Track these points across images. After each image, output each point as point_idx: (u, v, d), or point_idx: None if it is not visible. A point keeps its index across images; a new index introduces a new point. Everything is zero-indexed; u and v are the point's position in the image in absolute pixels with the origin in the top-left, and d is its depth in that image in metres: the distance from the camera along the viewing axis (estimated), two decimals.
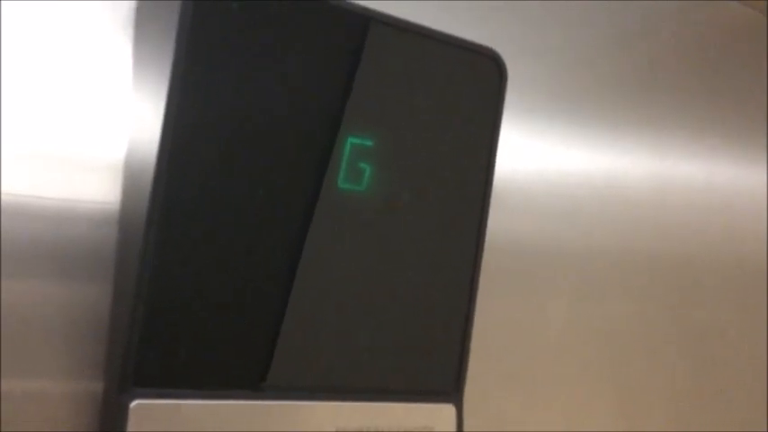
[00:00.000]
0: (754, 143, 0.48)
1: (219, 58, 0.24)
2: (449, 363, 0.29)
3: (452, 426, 0.29)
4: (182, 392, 0.24)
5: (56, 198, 0.27)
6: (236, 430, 0.24)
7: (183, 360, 0.24)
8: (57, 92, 0.27)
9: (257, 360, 0.25)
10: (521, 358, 0.37)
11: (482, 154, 0.30)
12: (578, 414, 0.38)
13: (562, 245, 0.39)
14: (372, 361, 0.27)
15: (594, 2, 0.41)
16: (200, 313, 0.24)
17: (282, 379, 0.26)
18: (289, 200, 0.26)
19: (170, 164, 0.24)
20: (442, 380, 0.29)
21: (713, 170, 0.45)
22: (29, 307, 0.26)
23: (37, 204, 0.26)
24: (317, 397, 0.26)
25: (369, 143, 0.27)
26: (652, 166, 0.42)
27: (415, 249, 0.28)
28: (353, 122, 0.27)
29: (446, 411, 0.29)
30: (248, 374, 0.25)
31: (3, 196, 0.26)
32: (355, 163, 0.27)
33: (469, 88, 0.29)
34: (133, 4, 0.28)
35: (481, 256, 0.30)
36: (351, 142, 0.27)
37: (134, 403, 0.23)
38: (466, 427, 0.29)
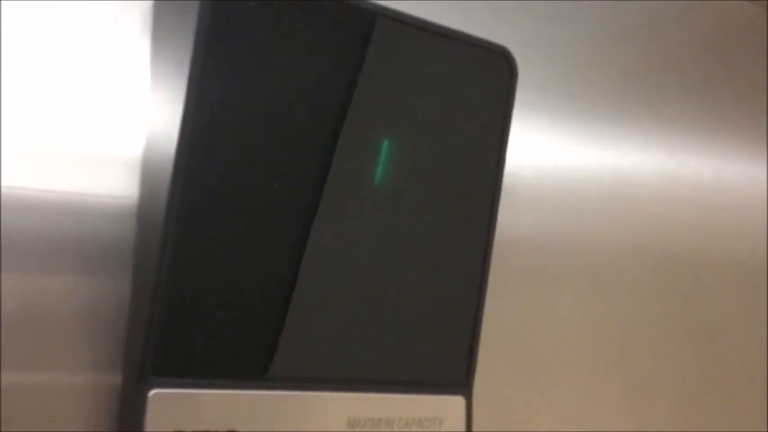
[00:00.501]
0: (764, 140, 0.48)
1: (237, 56, 0.25)
2: (459, 355, 0.29)
3: (462, 417, 0.29)
4: (200, 382, 0.24)
5: (75, 192, 0.27)
6: (251, 419, 0.25)
7: (201, 350, 0.24)
8: (75, 88, 0.27)
9: (272, 351, 0.26)
10: (529, 352, 0.37)
11: (492, 150, 0.30)
12: (586, 406, 0.39)
13: (570, 241, 0.39)
14: (384, 352, 0.28)
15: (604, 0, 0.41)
16: (218, 305, 0.25)
17: (297, 370, 0.26)
18: (301, 194, 0.26)
19: (188, 159, 0.24)
20: (453, 372, 0.29)
21: (722, 167, 0.45)
22: (47, 301, 0.26)
23: (55, 199, 0.27)
24: (330, 387, 0.26)
25: (382, 139, 0.28)
26: (661, 163, 0.43)
27: (425, 242, 0.29)
28: (368, 119, 0.27)
29: (456, 403, 0.29)
30: (263, 365, 0.25)
31: (22, 191, 0.26)
32: (366, 157, 0.27)
33: (480, 85, 0.30)
34: (151, 3, 0.29)
35: (491, 250, 0.30)
36: (366, 138, 0.27)
37: (152, 392, 0.23)
38: (475, 418, 0.30)
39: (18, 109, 0.26)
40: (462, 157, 0.29)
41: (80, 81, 0.27)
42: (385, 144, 0.28)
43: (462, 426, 0.29)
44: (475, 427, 0.30)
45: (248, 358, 0.25)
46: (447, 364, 0.29)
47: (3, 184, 0.26)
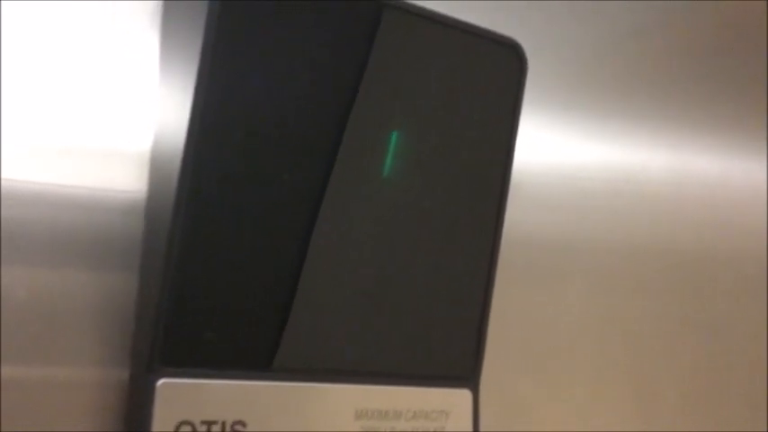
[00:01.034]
0: None
1: (245, 50, 0.25)
2: (466, 348, 0.29)
3: (469, 411, 0.29)
4: (207, 372, 0.24)
5: (84, 187, 0.27)
6: (258, 410, 0.25)
7: (209, 341, 0.24)
8: (85, 84, 0.28)
9: (279, 342, 0.26)
10: (536, 349, 0.37)
11: (501, 143, 0.30)
12: (592, 403, 0.38)
13: (577, 237, 0.39)
14: (392, 345, 0.28)
15: None
16: (226, 296, 0.25)
17: (304, 361, 0.26)
18: (309, 186, 0.26)
19: (196, 153, 0.24)
20: (460, 365, 0.29)
21: (729, 165, 0.45)
22: (57, 295, 0.27)
23: (65, 193, 0.27)
24: (338, 379, 0.27)
25: (391, 131, 0.28)
26: (668, 161, 0.42)
27: (433, 235, 0.29)
28: (377, 112, 0.27)
29: (463, 396, 0.29)
30: (271, 356, 0.26)
31: (32, 185, 0.27)
32: (375, 150, 0.27)
33: (489, 78, 0.30)
34: (161, 2, 0.29)
35: (499, 244, 0.30)
36: (374, 130, 0.27)
37: (160, 382, 0.24)
38: (482, 414, 0.30)
39: (29, 104, 0.27)
40: (471, 149, 0.29)
41: (90, 76, 0.28)
42: (393, 136, 0.28)
43: (469, 419, 0.29)
44: (482, 422, 0.30)
45: (256, 349, 0.25)
46: (454, 358, 0.29)
47: (13, 177, 0.26)
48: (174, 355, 0.24)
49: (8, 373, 0.26)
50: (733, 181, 0.45)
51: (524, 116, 0.31)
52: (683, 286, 0.42)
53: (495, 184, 0.30)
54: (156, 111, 0.28)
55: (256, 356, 0.25)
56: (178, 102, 0.25)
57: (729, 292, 0.44)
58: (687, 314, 0.42)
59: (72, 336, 0.27)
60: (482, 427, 0.30)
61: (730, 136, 0.45)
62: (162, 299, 0.24)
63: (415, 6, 0.28)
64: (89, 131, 0.28)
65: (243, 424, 0.25)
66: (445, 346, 0.29)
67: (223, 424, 0.24)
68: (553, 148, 0.38)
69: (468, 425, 0.29)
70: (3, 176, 0.26)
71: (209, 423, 0.24)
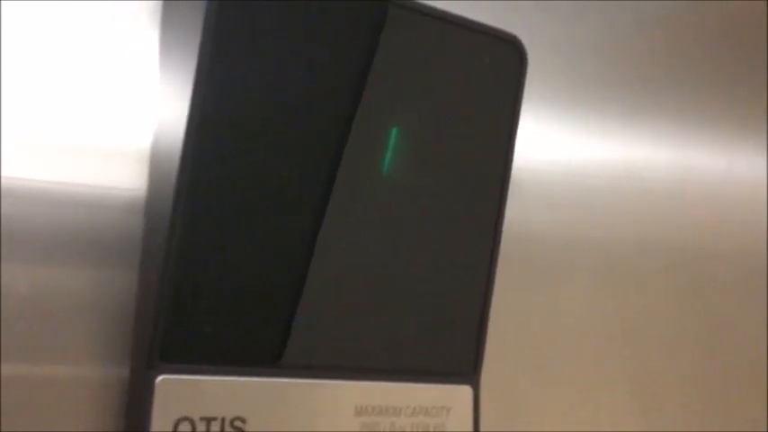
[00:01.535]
0: None
1: (245, 46, 0.25)
2: (467, 345, 0.29)
3: (469, 407, 0.29)
4: (207, 369, 0.24)
5: (84, 184, 0.27)
6: (258, 406, 0.25)
7: (209, 337, 0.24)
8: (85, 81, 0.28)
9: (280, 339, 0.26)
10: (536, 347, 0.37)
11: (502, 139, 0.30)
12: (594, 401, 0.38)
13: (579, 234, 0.39)
14: (392, 341, 0.28)
15: None
16: (227, 292, 0.25)
17: (304, 357, 0.26)
18: (310, 183, 0.26)
19: (196, 148, 0.24)
20: (460, 361, 0.29)
21: (733, 162, 0.45)
22: (57, 292, 0.27)
23: (65, 191, 0.27)
24: (338, 376, 0.27)
25: (391, 128, 0.28)
26: (671, 158, 0.42)
27: (434, 232, 0.29)
28: (377, 108, 0.27)
29: (463, 392, 0.29)
30: (271, 352, 0.26)
31: (31, 183, 0.27)
32: (375, 146, 0.27)
33: (490, 74, 0.30)
34: (161, 1, 0.29)
35: (500, 241, 0.30)
36: (375, 127, 0.27)
37: (160, 378, 0.24)
38: (482, 411, 0.30)
39: (29, 102, 0.27)
40: (471, 146, 0.29)
41: (90, 75, 0.28)
42: (394, 133, 0.28)
43: (469, 415, 0.29)
44: (482, 419, 0.30)
45: (256, 345, 0.25)
46: (455, 354, 0.29)
47: (13, 175, 0.26)
48: (174, 351, 0.24)
49: (8, 370, 0.26)
50: (735, 178, 0.45)
51: (525, 112, 0.31)
52: (684, 284, 0.42)
53: (495, 182, 0.30)
54: (155, 109, 0.28)
55: (256, 353, 0.25)
56: (178, 100, 0.25)
57: (731, 290, 0.44)
58: (688, 312, 0.42)
59: (72, 333, 0.27)
60: (482, 425, 0.30)
61: (733, 133, 0.45)
62: (161, 295, 0.24)
63: (414, 2, 0.28)
64: (89, 129, 0.28)
65: (242, 420, 0.25)
66: (446, 342, 0.29)
67: (222, 420, 0.24)
68: (554, 144, 0.38)
69: (469, 421, 0.29)
70: (2, 174, 0.26)
71: (209, 419, 0.24)
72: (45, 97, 0.27)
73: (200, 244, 0.24)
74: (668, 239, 0.42)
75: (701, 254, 0.43)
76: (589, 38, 0.40)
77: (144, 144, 0.28)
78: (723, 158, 0.44)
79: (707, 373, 0.43)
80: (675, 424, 0.41)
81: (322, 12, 0.26)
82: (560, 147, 0.39)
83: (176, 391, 0.24)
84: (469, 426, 0.29)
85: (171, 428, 0.24)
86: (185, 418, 0.24)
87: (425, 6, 0.28)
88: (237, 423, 0.25)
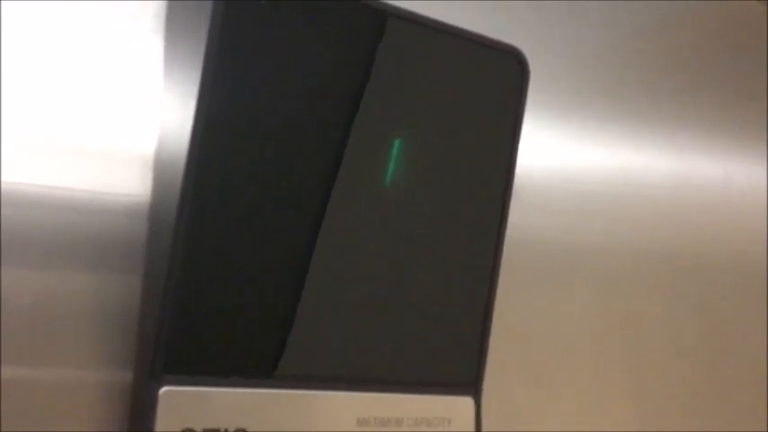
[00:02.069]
0: None
1: (249, 56, 0.25)
2: (468, 355, 0.29)
3: (471, 418, 0.29)
4: (210, 380, 0.24)
5: (88, 190, 0.27)
6: (260, 418, 0.25)
7: (212, 349, 0.24)
8: (88, 86, 0.28)
9: (281, 350, 0.26)
10: (537, 354, 0.37)
11: (503, 151, 0.30)
12: (595, 408, 0.39)
13: (579, 241, 0.39)
14: (394, 352, 0.28)
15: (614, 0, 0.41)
16: (229, 304, 0.25)
17: (307, 369, 0.26)
18: (312, 194, 0.26)
19: (200, 158, 0.24)
20: (462, 373, 0.29)
21: (731, 168, 0.45)
22: (59, 298, 0.27)
23: (69, 196, 0.27)
24: (339, 387, 0.27)
25: (393, 139, 0.28)
26: (670, 165, 0.42)
27: (435, 243, 0.29)
28: (379, 119, 0.27)
29: (465, 403, 0.29)
30: (273, 364, 0.26)
31: (35, 188, 0.26)
32: (377, 158, 0.27)
33: (491, 86, 0.30)
34: (165, 3, 0.29)
35: (501, 251, 0.30)
36: (377, 138, 0.27)
37: (163, 390, 0.24)
38: (484, 419, 0.30)
39: (32, 106, 0.27)
40: (473, 157, 0.29)
41: (93, 78, 0.28)
42: (396, 144, 0.28)
43: (471, 427, 0.29)
44: (484, 428, 0.30)
45: (258, 357, 0.25)
46: (456, 365, 0.29)
47: (15, 180, 0.26)
48: (177, 362, 0.24)
49: (9, 375, 0.26)
50: (734, 184, 0.45)
51: (526, 120, 0.31)
52: (683, 290, 0.42)
53: (497, 193, 0.30)
54: (159, 113, 0.28)
55: (259, 364, 0.25)
56: (182, 105, 0.25)
57: (730, 295, 0.44)
58: (688, 317, 0.42)
59: (73, 339, 0.27)
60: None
61: (731, 139, 0.45)
62: (165, 306, 0.24)
63: (417, 15, 0.28)
64: (92, 134, 0.28)
65: None
66: (447, 353, 0.29)
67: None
68: (554, 151, 0.38)
69: None
70: (4, 179, 0.26)
71: (211, 431, 0.24)
72: (47, 101, 0.27)
73: (204, 255, 0.24)
74: (667, 245, 0.42)
75: (700, 260, 0.43)
76: (588, 45, 0.40)
77: (147, 149, 0.28)
78: (722, 165, 0.45)
79: (706, 376, 0.43)
80: (675, 427, 0.41)
81: (326, 23, 0.26)
82: (559, 154, 0.39)
83: (179, 403, 0.24)
84: None
85: None
86: (188, 430, 0.24)
87: (428, 19, 0.28)
88: None
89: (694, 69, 0.44)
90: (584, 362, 0.38)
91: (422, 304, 0.28)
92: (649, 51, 0.42)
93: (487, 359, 0.30)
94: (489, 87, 0.30)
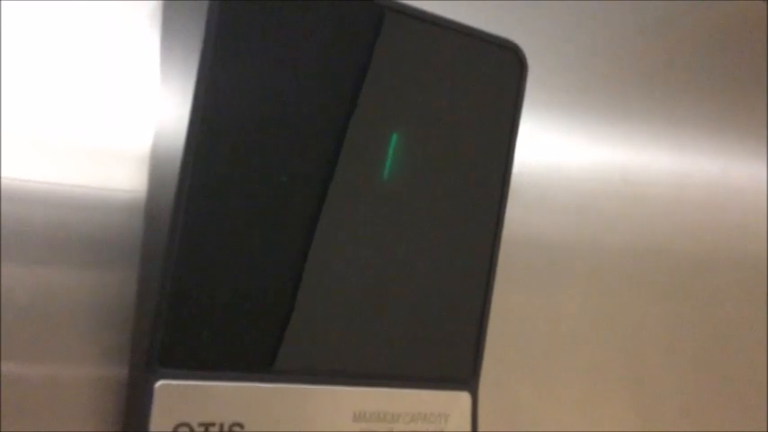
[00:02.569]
0: None
1: (245, 52, 0.25)
2: (465, 351, 0.29)
3: (468, 413, 0.29)
4: (206, 374, 0.24)
5: (83, 186, 0.27)
6: (256, 412, 0.25)
7: (208, 343, 0.24)
8: (85, 83, 0.28)
9: (278, 344, 0.26)
10: (535, 351, 0.37)
11: (501, 146, 0.30)
12: (592, 405, 0.38)
13: (578, 239, 0.39)
14: (391, 347, 0.28)
15: None
16: (225, 298, 0.25)
17: (303, 363, 0.26)
18: (309, 188, 0.26)
19: (196, 154, 0.24)
20: (459, 367, 0.29)
21: (730, 166, 0.45)
22: (56, 293, 0.27)
23: (65, 192, 0.27)
24: (336, 381, 0.27)
25: (391, 133, 0.28)
26: (669, 162, 0.42)
27: (433, 237, 0.29)
28: (377, 114, 0.27)
29: (462, 398, 0.29)
30: (270, 358, 0.26)
31: (33, 184, 0.27)
32: (375, 152, 0.27)
33: (490, 81, 0.30)
34: (161, 2, 0.29)
35: (499, 246, 0.30)
36: (375, 132, 0.27)
37: (159, 383, 0.24)
38: (481, 415, 0.30)
39: (30, 103, 0.27)
40: (471, 152, 0.29)
41: (90, 75, 0.28)
42: (394, 139, 0.28)
43: (468, 422, 0.29)
44: (481, 424, 0.30)
45: (255, 351, 0.25)
46: (453, 360, 0.29)
47: (13, 176, 0.26)
48: (173, 356, 0.24)
49: (8, 371, 0.26)
50: (734, 182, 0.45)
51: (524, 117, 0.31)
52: (683, 288, 0.42)
53: (494, 187, 0.30)
54: (156, 110, 0.28)
55: (255, 358, 0.25)
56: (178, 101, 0.25)
57: (730, 293, 0.44)
58: (687, 316, 0.42)
59: (71, 334, 0.27)
60: (480, 429, 0.30)
61: (731, 137, 0.45)
62: (161, 300, 0.24)
63: (415, 9, 0.28)
64: (89, 131, 0.28)
65: (240, 426, 0.25)
66: (444, 348, 0.29)
67: (221, 426, 0.24)
68: (553, 149, 0.38)
69: (467, 427, 0.29)
70: (3, 175, 0.26)
71: (207, 425, 0.24)
72: (45, 98, 0.27)
73: (200, 249, 0.24)
74: (666, 243, 0.42)
75: (700, 258, 0.43)
76: (587, 43, 0.40)
77: (144, 145, 0.28)
78: (722, 164, 0.45)
79: (705, 376, 0.43)
80: (674, 426, 0.41)
81: (323, 18, 0.26)
82: (558, 151, 0.39)
83: (175, 397, 0.24)
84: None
85: None
86: (184, 424, 0.24)
87: (426, 14, 0.28)
88: (236, 428, 0.25)
89: (694, 68, 0.44)
90: (582, 359, 0.38)
91: (419, 298, 0.28)
92: (649, 50, 0.42)
93: (485, 356, 0.30)
94: (487, 82, 0.30)
